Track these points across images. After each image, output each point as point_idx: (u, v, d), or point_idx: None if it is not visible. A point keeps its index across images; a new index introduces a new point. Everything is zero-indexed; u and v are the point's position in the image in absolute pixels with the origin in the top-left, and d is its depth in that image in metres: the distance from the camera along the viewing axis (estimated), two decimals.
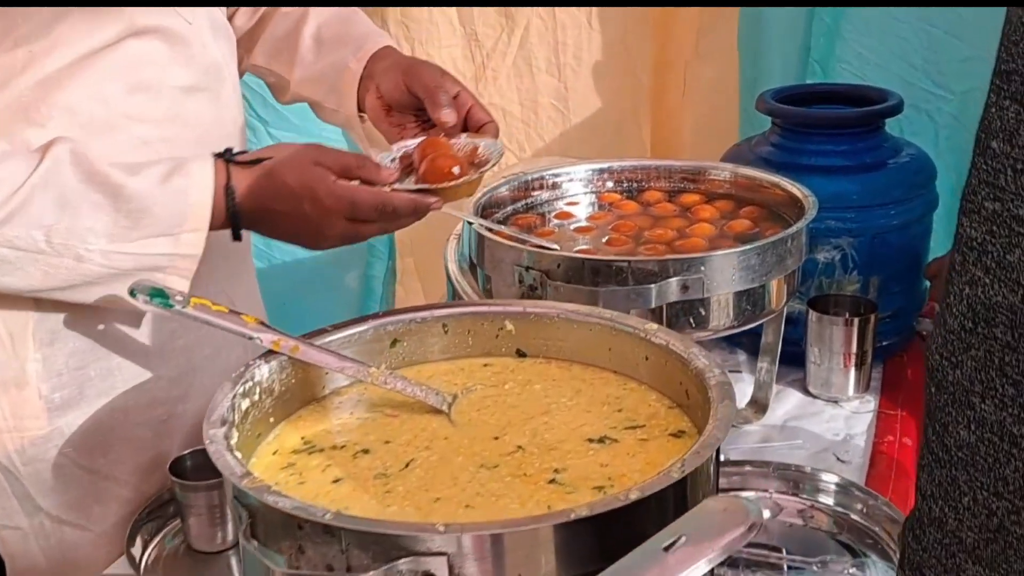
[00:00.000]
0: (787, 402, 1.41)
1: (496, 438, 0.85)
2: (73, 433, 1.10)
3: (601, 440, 0.84)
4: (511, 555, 0.65)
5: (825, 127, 1.47)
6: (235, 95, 1.24)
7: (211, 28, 1.17)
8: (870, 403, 1.41)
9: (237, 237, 1.01)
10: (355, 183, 1.02)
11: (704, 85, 1.85)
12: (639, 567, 0.57)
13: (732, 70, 1.82)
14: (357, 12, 1.40)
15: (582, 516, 0.65)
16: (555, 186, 1.42)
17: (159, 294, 0.89)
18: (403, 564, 0.63)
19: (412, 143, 1.14)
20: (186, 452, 1.06)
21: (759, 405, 1.35)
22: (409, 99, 1.22)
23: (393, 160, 1.12)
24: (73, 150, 0.97)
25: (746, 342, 1.48)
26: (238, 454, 0.75)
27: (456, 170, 1.07)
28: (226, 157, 1.02)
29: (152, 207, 0.97)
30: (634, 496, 0.66)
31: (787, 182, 1.28)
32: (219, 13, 1.22)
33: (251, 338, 0.88)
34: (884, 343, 1.47)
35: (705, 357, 0.84)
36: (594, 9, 1.87)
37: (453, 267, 1.32)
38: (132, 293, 0.91)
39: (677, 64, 1.87)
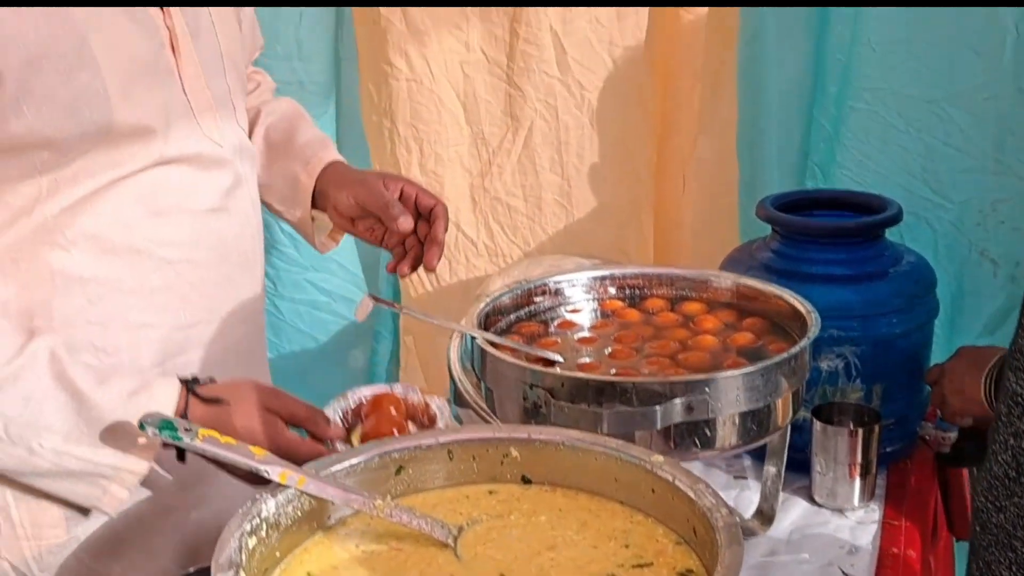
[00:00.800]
0: (793, 511, 1.40)
1: (501, 574, 0.84)
2: (89, 538, 1.10)
3: None
4: None
5: (826, 236, 1.47)
6: (255, 208, 1.26)
7: (239, 149, 1.19)
8: (875, 512, 1.39)
9: (181, 459, 1.01)
10: (300, 436, 1.06)
11: (704, 185, 1.86)
12: None
13: (732, 170, 1.83)
14: (302, 115, 1.46)
15: None
16: (557, 292, 1.42)
17: (168, 426, 0.89)
18: None
19: (367, 392, 1.21)
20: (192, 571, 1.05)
21: (765, 516, 1.33)
22: (366, 212, 1.31)
23: (346, 410, 1.19)
24: (52, 351, 1.00)
25: (754, 455, 1.47)
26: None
27: (396, 433, 1.12)
28: (189, 386, 1.04)
29: (111, 419, 0.99)
30: None
31: (789, 295, 1.28)
32: (244, 134, 1.24)
33: (259, 471, 0.87)
34: (888, 449, 1.46)
35: (712, 496, 0.83)
36: (596, 110, 1.89)
37: (456, 366, 1.32)
38: (142, 426, 0.90)
39: (677, 164, 1.89)
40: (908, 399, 1.50)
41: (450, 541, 0.88)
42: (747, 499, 1.40)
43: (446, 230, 1.33)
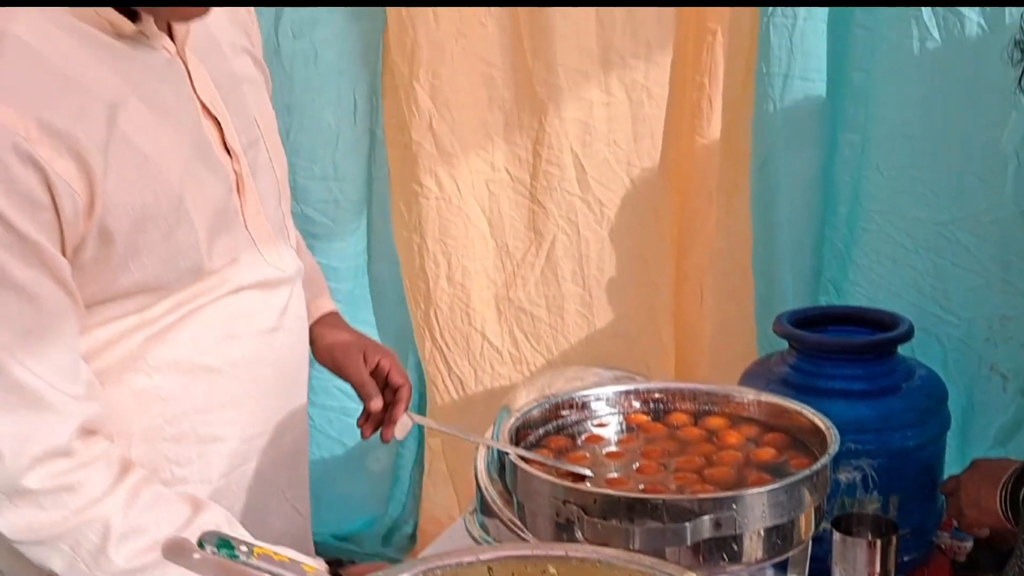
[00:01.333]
0: None
1: None
2: None
3: None
4: None
5: (842, 352, 1.52)
6: (304, 322, 1.34)
7: (297, 272, 1.27)
8: None
9: None
10: None
11: (721, 299, 1.92)
12: None
13: (748, 286, 1.89)
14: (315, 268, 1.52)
15: None
16: (584, 406, 1.46)
17: (225, 545, 0.93)
18: None
19: None
20: None
21: None
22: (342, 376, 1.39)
23: None
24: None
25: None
26: None
27: None
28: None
29: None
30: None
31: (809, 411, 1.32)
32: (294, 252, 1.31)
33: None
34: (905, 558, 1.48)
35: None
36: (614, 226, 1.97)
37: (484, 477, 1.36)
38: (201, 544, 0.94)
39: (695, 278, 1.95)
40: (924, 509, 1.53)
41: None
42: None
43: (405, 410, 1.36)
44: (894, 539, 1.41)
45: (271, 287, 1.24)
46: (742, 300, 1.90)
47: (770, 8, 1.73)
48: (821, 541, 1.43)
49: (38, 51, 1.01)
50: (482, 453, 1.42)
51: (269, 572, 0.92)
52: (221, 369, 1.16)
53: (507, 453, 1.26)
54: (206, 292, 1.13)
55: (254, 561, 0.92)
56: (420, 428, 2.27)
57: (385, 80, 1.99)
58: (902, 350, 1.57)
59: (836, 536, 1.42)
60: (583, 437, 1.40)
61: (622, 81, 1.92)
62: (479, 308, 2.02)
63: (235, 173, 1.19)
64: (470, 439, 1.37)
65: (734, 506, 1.11)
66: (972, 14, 1.59)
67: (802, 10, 1.72)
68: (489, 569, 1.00)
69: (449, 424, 1.85)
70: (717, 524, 1.11)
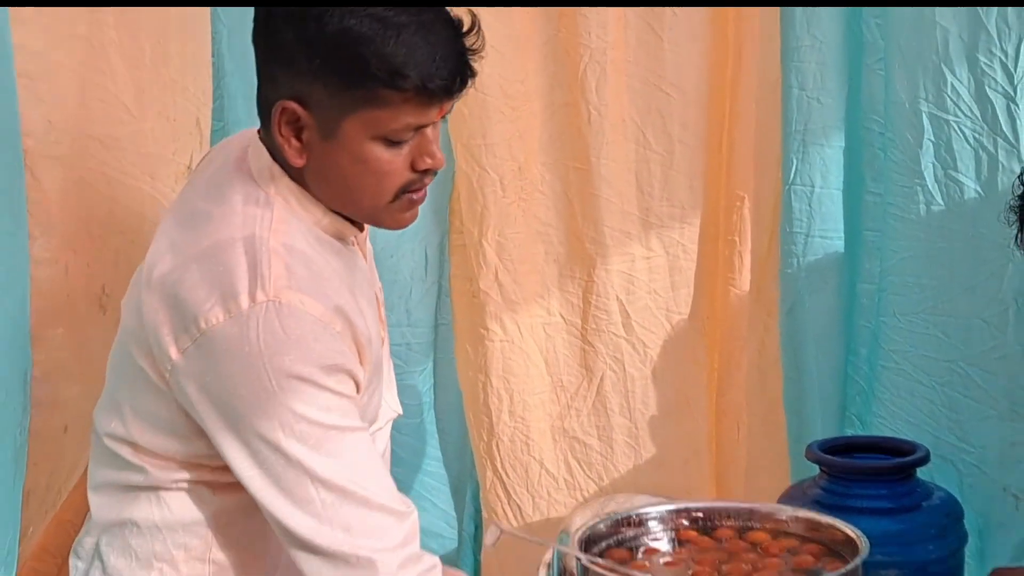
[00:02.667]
0: None
1: None
2: None
3: None
4: None
5: (867, 474, 1.69)
6: None
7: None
8: None
9: None
10: None
11: (756, 432, 2.10)
12: None
13: (780, 420, 2.07)
14: None
15: None
16: (641, 523, 1.62)
17: None
18: None
19: None
20: None
21: None
22: None
23: None
24: None
25: None
26: None
27: None
28: None
29: None
30: None
31: (841, 524, 1.48)
32: None
33: None
34: None
35: None
36: (656, 365, 2.16)
37: None
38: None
39: (732, 414, 2.13)
40: None
41: None
42: None
43: None
44: None
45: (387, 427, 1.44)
46: (775, 434, 2.07)
47: (791, 175, 1.97)
48: None
49: (313, 259, 1.23)
50: (542, 573, 1.58)
51: None
52: None
53: (579, 558, 1.42)
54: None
55: None
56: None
57: (452, 238, 2.22)
58: (921, 474, 1.74)
59: None
60: (641, 550, 1.56)
61: (660, 239, 2.15)
62: (536, 439, 2.19)
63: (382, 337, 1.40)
64: (542, 543, 1.53)
65: None
66: (969, 182, 1.82)
67: (819, 177, 1.96)
68: None
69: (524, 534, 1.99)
70: None
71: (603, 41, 2.07)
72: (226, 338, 1.14)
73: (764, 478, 2.05)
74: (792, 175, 2.00)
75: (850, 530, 1.46)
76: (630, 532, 1.61)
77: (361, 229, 1.35)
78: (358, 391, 1.22)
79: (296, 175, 1.25)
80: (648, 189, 2.13)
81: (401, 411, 1.47)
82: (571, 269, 2.17)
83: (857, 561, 1.36)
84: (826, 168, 1.98)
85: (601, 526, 1.57)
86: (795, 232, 1.99)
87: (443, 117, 1.24)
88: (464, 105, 1.99)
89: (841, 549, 1.47)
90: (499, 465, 2.24)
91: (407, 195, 1.25)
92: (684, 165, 2.11)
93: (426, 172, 1.24)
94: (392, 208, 1.26)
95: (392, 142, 1.21)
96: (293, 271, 1.18)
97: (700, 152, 2.11)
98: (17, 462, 1.39)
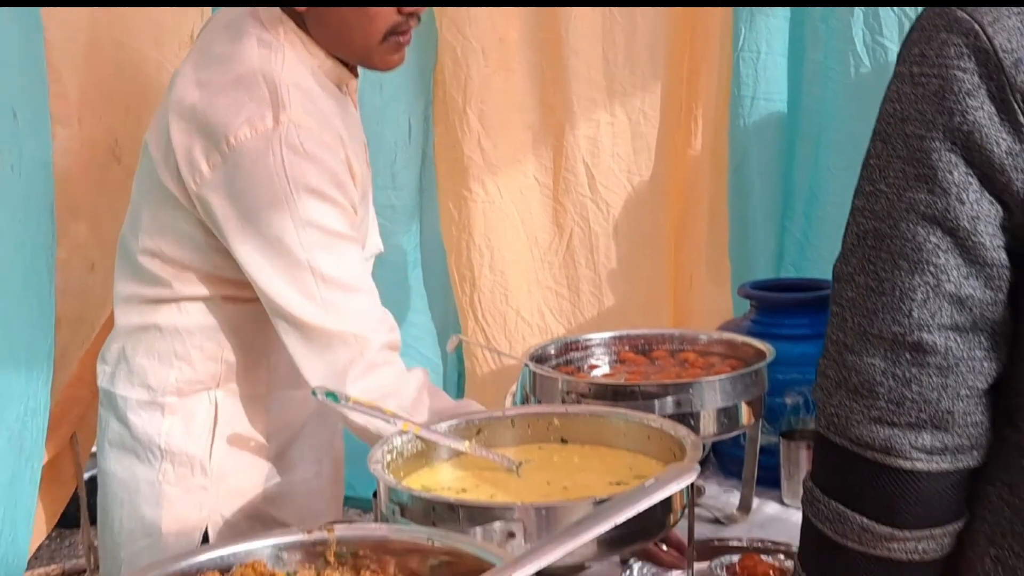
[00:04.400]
0: (767, 510, 1.78)
1: (548, 483, 1.26)
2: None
3: (618, 483, 1.24)
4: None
5: (789, 305, 1.91)
6: None
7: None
8: None
9: None
10: None
11: (706, 281, 2.32)
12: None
13: (726, 269, 2.29)
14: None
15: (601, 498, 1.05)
16: (586, 347, 1.86)
17: (332, 396, 1.32)
18: (496, 525, 1.03)
19: None
20: None
21: (745, 505, 1.72)
22: None
23: None
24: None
25: (736, 471, 1.87)
26: (390, 475, 1.16)
27: None
28: None
29: None
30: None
31: (753, 341, 1.71)
32: None
33: (390, 422, 1.31)
34: None
35: (686, 432, 1.25)
36: (618, 223, 2.37)
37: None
38: (313, 392, 1.34)
39: (687, 265, 2.35)
40: None
41: (514, 468, 1.30)
42: (734, 499, 1.79)
43: None
44: None
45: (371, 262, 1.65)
46: (722, 280, 2.29)
47: (740, 43, 2.15)
48: (772, 454, 1.80)
49: (318, 97, 1.44)
50: (510, 396, 1.81)
51: (361, 411, 1.31)
52: None
53: (528, 365, 1.66)
54: None
55: (349, 404, 1.31)
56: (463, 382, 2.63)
57: (436, 107, 2.41)
58: None
59: (783, 444, 1.79)
60: (585, 366, 1.80)
61: (623, 106, 2.33)
62: (514, 290, 2.42)
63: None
64: (506, 354, 1.76)
65: (691, 390, 1.50)
66: (892, 45, 1.99)
67: (764, 44, 2.13)
68: (512, 421, 1.39)
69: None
70: (678, 403, 1.50)
71: None
72: (252, 152, 1.36)
73: (714, 319, 2.27)
74: (741, 43, 2.17)
75: (761, 344, 1.69)
76: (577, 355, 1.85)
77: (355, 75, 1.55)
78: (355, 212, 1.45)
79: (299, 21, 1.46)
80: (613, 59, 2.30)
81: (383, 248, 1.68)
82: (543, 135, 2.37)
83: (762, 364, 1.59)
84: (771, 36, 2.16)
85: (551, 348, 1.80)
86: (743, 96, 2.17)
87: None
88: None
89: (754, 362, 1.70)
90: (480, 315, 2.47)
91: (394, 37, 1.46)
92: (646, 36, 2.28)
93: (411, 15, 1.46)
94: (381, 49, 1.47)
95: None
96: (305, 103, 1.41)
97: (661, 24, 2.28)
98: (48, 291, 1.62)
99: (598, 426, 1.37)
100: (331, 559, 1.00)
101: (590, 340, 1.86)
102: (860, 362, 0.88)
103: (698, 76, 2.24)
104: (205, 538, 1.50)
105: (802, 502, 0.96)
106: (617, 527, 0.98)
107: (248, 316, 1.49)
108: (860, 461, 0.88)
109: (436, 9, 2.28)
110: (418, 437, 1.31)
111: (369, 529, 1.03)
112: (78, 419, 1.90)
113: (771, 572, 1.43)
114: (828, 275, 2.09)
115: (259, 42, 1.44)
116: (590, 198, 2.37)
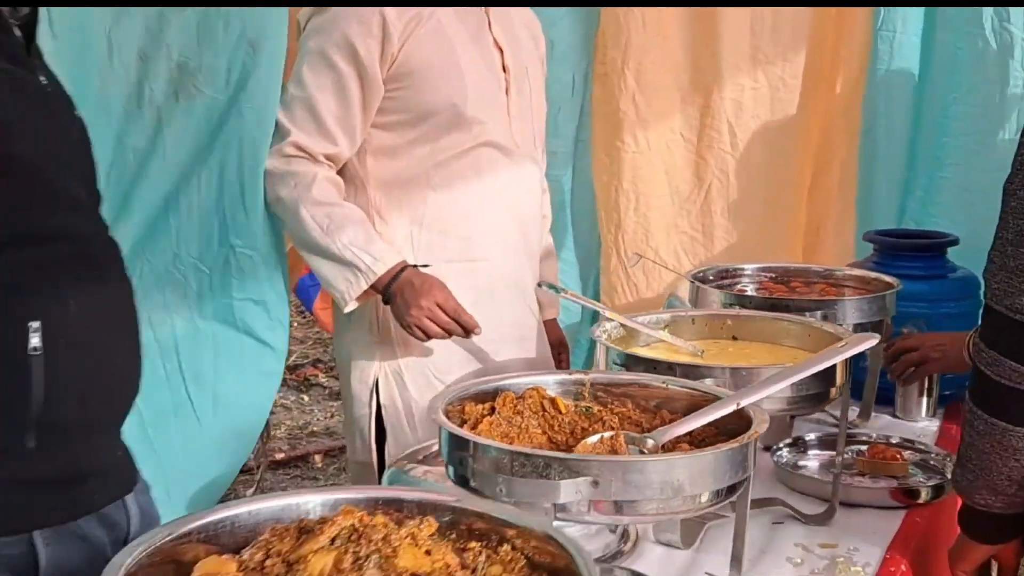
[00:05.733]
0: (882, 421, 2.11)
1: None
2: None
3: None
4: None
5: (906, 250, 2.22)
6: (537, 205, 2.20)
7: (537, 167, 2.07)
8: (936, 422, 2.10)
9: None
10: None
11: (834, 232, 2.64)
12: None
13: (851, 222, 2.61)
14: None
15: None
16: (736, 275, 2.20)
17: (552, 287, 1.67)
18: (707, 381, 1.38)
19: None
20: None
21: (865, 412, 2.05)
22: None
23: None
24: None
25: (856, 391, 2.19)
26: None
27: None
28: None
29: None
30: None
31: (883, 275, 2.03)
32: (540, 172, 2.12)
33: (603, 312, 1.66)
34: (946, 392, 2.16)
35: (842, 329, 1.58)
36: (753, 176, 2.68)
37: None
38: (539, 285, 1.70)
39: (814, 220, 2.67)
40: None
41: (698, 353, 1.64)
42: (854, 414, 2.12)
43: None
44: None
45: (507, 153, 1.99)
46: (847, 231, 2.61)
47: (878, 23, 2.45)
48: (883, 375, 2.12)
49: None
50: None
51: (574, 300, 1.67)
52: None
53: (692, 280, 2.00)
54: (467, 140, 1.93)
55: (568, 295, 1.67)
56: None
57: (596, 67, 2.74)
58: (953, 256, 2.25)
59: None
60: (735, 289, 2.14)
61: (765, 73, 2.64)
62: (655, 233, 2.75)
63: (506, 83, 1.97)
64: (672, 270, 2.10)
65: (836, 306, 1.83)
66: (1018, 31, 2.28)
67: (900, 24, 2.43)
68: (692, 320, 1.73)
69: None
70: (824, 317, 1.82)
71: None
72: None
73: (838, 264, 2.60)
74: (879, 23, 2.47)
75: (888, 278, 2.01)
76: (727, 281, 2.19)
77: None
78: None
79: None
80: (759, 30, 2.61)
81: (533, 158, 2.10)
82: (691, 95, 2.68)
83: (892, 291, 1.91)
84: (907, 17, 2.45)
85: (709, 273, 2.14)
86: (878, 68, 2.47)
87: None
88: None
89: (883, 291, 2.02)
90: (622, 252, 2.81)
91: None
92: (791, 12, 2.58)
93: None
94: None
95: None
96: None
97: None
98: None
99: (764, 326, 1.71)
100: (585, 394, 1.36)
101: (741, 269, 2.20)
102: (1017, 251, 1.20)
103: (839, 49, 2.54)
104: None
105: (970, 354, 1.29)
106: (799, 384, 1.32)
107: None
108: (1014, 324, 1.20)
109: None
110: (622, 326, 1.66)
111: (615, 376, 1.38)
112: None
113: (898, 456, 1.76)
114: (947, 229, 2.46)
115: None
116: (730, 154, 2.69)
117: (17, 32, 1.30)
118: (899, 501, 1.64)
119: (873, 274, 2.07)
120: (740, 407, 1.19)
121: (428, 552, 0.85)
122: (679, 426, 1.20)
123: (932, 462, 1.79)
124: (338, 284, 1.87)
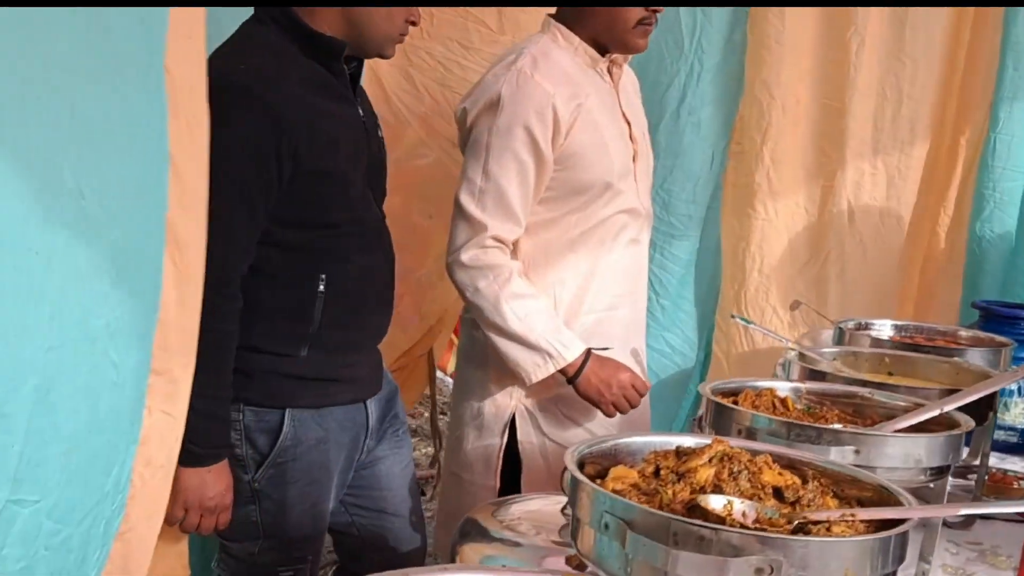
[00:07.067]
0: None
1: None
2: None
3: None
4: None
5: (1008, 320, 2.57)
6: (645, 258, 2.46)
7: (648, 216, 2.38)
8: None
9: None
10: None
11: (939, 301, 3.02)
12: None
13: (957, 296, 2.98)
14: None
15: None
16: (866, 328, 2.55)
17: (744, 319, 2.03)
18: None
19: None
20: None
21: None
22: None
23: None
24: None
25: None
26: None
27: None
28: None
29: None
30: None
31: (996, 336, 2.39)
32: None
33: (782, 340, 2.01)
34: None
35: (989, 368, 1.93)
36: (868, 249, 3.06)
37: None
38: (732, 316, 2.05)
39: (926, 291, 3.05)
40: None
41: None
42: None
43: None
44: None
45: (635, 215, 2.28)
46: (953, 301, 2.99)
47: (998, 126, 2.85)
48: None
49: (559, 63, 2.14)
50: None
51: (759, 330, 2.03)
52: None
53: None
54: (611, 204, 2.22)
55: (755, 327, 2.03)
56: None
57: (733, 145, 3.13)
58: None
59: None
60: None
61: (884, 162, 3.03)
62: (775, 291, 3.12)
63: (634, 151, 2.29)
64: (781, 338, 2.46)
65: (965, 354, 2.18)
66: None
67: (1018, 128, 2.82)
68: (855, 355, 2.09)
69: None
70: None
71: (865, 18, 2.94)
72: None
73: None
74: (1000, 126, 2.88)
75: (1000, 337, 2.36)
76: (860, 332, 2.54)
77: (604, 55, 2.19)
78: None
79: (560, 17, 2.17)
80: (881, 124, 3.01)
81: (647, 211, 2.35)
82: (816, 174, 3.08)
83: (1009, 349, 2.26)
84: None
85: (849, 324, 2.50)
86: (994, 165, 2.88)
87: None
88: (766, 51, 2.91)
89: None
90: (742, 306, 3.17)
91: (641, 26, 2.12)
92: (910, 111, 2.98)
93: (655, 11, 2.11)
94: (634, 33, 2.13)
95: None
96: (537, 62, 2.09)
97: (924, 105, 2.98)
98: None
99: (918, 364, 2.05)
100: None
101: (871, 323, 2.55)
102: None
103: (958, 146, 2.95)
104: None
105: None
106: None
107: None
108: None
109: (749, 71, 3.02)
110: (802, 355, 2.01)
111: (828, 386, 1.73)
112: None
113: (1014, 482, 2.09)
114: None
115: (526, 40, 2.21)
116: (847, 227, 3.06)
117: (347, 76, 1.90)
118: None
119: (985, 334, 2.42)
120: (943, 412, 1.54)
121: (780, 473, 1.20)
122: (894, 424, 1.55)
123: None
124: (526, 366, 2.12)
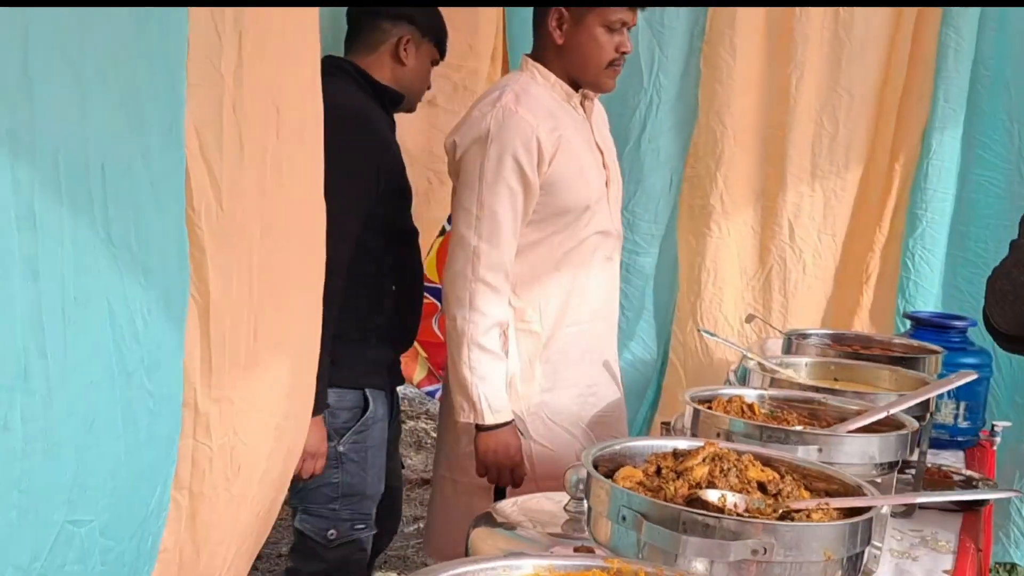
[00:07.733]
0: None
1: None
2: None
3: None
4: None
5: (934, 326, 2.84)
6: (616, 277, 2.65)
7: (619, 235, 2.59)
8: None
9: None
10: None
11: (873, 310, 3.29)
12: None
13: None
14: None
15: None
16: (806, 336, 2.80)
17: (708, 332, 2.25)
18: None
19: None
20: None
21: None
22: None
23: None
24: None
25: None
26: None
27: None
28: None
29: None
30: None
31: (928, 344, 2.65)
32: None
33: (745, 353, 2.24)
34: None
35: (924, 374, 2.18)
36: (808, 264, 3.32)
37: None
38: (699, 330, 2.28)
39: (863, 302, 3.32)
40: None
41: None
42: None
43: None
44: None
45: (608, 236, 2.48)
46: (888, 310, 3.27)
47: (930, 152, 3.13)
48: None
49: (538, 98, 2.32)
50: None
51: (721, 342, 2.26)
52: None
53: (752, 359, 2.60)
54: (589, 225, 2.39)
55: (718, 338, 2.26)
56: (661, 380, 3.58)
57: (687, 170, 3.38)
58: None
59: None
60: None
61: (821, 185, 3.30)
62: (727, 301, 3.37)
63: (606, 177, 2.49)
64: (742, 349, 2.70)
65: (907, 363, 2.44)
66: None
67: (947, 159, 3.12)
68: (805, 364, 2.33)
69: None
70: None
71: (804, 55, 3.20)
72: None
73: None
74: (931, 152, 3.18)
75: (931, 345, 2.62)
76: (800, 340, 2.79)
77: (577, 90, 2.37)
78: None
79: (537, 57, 2.36)
80: (819, 150, 3.28)
81: (618, 231, 2.54)
82: (761, 197, 3.34)
83: (938, 356, 2.53)
84: (951, 152, 3.16)
85: (794, 335, 2.75)
86: (926, 187, 3.16)
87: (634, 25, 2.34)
88: (718, 84, 3.16)
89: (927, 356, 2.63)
90: (698, 317, 3.42)
91: (611, 67, 2.33)
92: (844, 140, 3.25)
93: (624, 54, 2.31)
94: (605, 74, 2.33)
95: (611, 30, 2.27)
96: (519, 97, 2.27)
97: (858, 134, 3.26)
98: None
99: (861, 371, 2.29)
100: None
101: (809, 332, 2.80)
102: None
103: (892, 171, 3.23)
104: None
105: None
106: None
107: None
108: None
109: (703, 103, 3.27)
110: (762, 365, 2.24)
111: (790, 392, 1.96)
112: None
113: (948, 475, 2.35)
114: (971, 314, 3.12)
115: (506, 77, 2.48)
116: (788, 245, 3.33)
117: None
118: (958, 506, 2.21)
119: (916, 342, 2.68)
120: (890, 414, 1.77)
121: (762, 470, 1.41)
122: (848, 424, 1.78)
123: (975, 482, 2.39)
124: (455, 403, 2.31)
